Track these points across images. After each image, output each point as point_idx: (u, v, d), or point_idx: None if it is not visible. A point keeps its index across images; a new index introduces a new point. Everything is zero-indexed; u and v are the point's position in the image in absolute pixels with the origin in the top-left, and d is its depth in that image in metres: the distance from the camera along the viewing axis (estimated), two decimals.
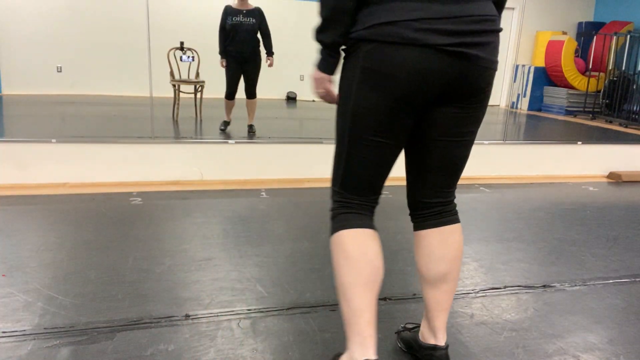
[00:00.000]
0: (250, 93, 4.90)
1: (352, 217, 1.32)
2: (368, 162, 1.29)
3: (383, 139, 1.27)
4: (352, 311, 1.27)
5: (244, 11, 4.66)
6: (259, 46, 4.79)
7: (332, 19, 1.21)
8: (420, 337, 1.53)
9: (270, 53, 4.88)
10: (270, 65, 4.88)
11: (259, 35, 4.76)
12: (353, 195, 1.34)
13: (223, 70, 4.79)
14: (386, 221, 2.96)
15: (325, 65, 1.29)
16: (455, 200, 1.48)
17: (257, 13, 4.71)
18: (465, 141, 1.36)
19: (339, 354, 1.41)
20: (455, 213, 1.46)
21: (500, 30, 1.26)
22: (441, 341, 1.48)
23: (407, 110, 1.23)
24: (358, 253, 1.27)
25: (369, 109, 1.22)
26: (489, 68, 1.25)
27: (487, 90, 1.29)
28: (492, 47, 1.23)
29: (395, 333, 1.73)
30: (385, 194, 3.46)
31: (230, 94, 4.85)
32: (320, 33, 1.24)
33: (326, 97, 1.36)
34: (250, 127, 4.88)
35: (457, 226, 1.45)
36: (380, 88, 1.19)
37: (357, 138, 1.27)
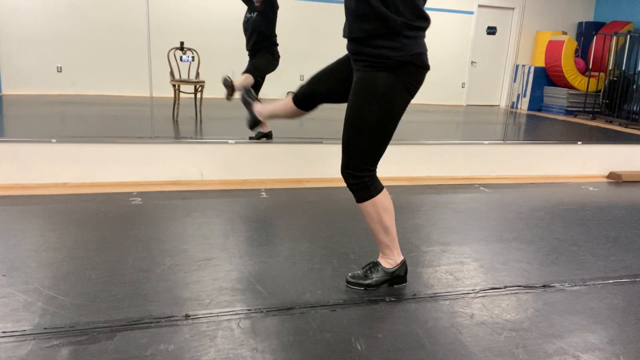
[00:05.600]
0: None
1: (379, 182, 1.97)
2: (389, 139, 1.93)
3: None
4: (393, 237, 2.04)
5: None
6: (257, 42, 4.29)
7: None
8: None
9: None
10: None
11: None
12: (376, 167, 1.95)
13: (223, 71, 4.74)
14: None
15: None
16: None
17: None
18: None
19: (376, 263, 2.08)
20: None
21: None
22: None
23: None
24: (390, 203, 2.00)
25: (404, 106, 1.89)
26: None
27: None
28: None
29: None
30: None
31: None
32: None
33: None
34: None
35: None
36: (412, 94, 1.88)
37: (394, 125, 1.90)
